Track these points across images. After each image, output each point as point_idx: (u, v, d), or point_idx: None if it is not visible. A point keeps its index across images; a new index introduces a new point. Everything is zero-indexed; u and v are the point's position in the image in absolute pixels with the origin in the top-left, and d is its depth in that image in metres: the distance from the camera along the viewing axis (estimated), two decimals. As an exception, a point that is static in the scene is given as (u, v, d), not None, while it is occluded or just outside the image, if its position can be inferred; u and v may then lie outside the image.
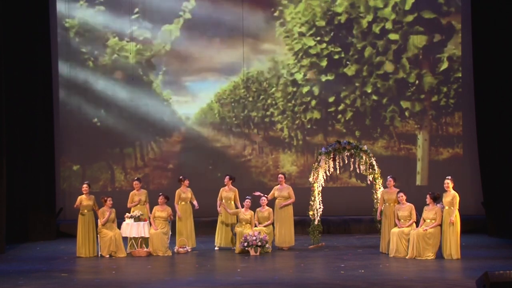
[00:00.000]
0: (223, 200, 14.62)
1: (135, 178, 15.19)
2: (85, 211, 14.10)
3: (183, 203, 14.59)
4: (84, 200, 14.11)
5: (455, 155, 17.77)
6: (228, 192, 14.68)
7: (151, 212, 14.31)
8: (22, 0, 16.60)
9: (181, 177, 14.85)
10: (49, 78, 17.12)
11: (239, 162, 18.28)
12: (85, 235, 14.01)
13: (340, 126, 18.08)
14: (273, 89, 18.26)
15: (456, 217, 12.89)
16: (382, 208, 13.83)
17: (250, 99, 18.30)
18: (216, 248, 14.60)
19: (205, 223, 16.16)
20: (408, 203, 13.35)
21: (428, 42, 17.79)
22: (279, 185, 14.71)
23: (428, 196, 13.10)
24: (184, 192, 14.62)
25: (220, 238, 14.63)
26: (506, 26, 15.79)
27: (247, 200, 14.28)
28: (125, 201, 14.71)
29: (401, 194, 13.42)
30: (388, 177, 13.88)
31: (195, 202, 14.63)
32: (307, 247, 14.52)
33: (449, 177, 13.11)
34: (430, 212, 13.03)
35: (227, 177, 14.85)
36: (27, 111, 16.68)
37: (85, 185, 14.26)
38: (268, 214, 14.35)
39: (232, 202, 14.66)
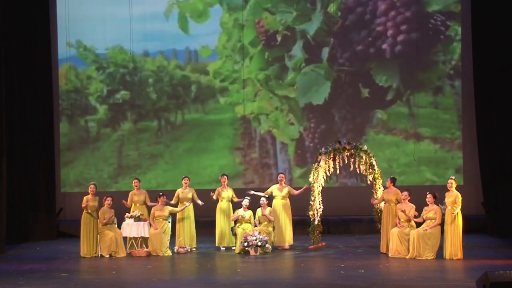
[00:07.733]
0: (223, 200, 14.67)
1: (135, 178, 15.22)
2: (90, 211, 14.08)
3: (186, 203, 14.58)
4: (90, 200, 14.09)
5: (455, 155, 17.74)
6: (225, 191, 14.72)
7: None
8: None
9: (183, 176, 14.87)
10: (49, 78, 17.10)
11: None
12: (89, 235, 14.00)
13: (340, 126, 18.06)
14: (273, 89, 18.24)
15: (458, 216, 12.90)
16: (380, 205, 13.96)
17: (250, 99, 18.27)
18: (222, 248, 14.58)
19: (205, 223, 16.14)
20: (410, 203, 13.34)
21: (428, 42, 17.73)
22: (278, 185, 14.74)
23: (429, 195, 13.09)
24: (183, 192, 14.63)
25: (220, 238, 14.66)
26: (506, 29, 15.80)
27: (246, 199, 14.34)
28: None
29: (405, 193, 13.40)
30: (389, 179, 13.95)
31: (199, 201, 14.63)
32: (307, 247, 14.53)
33: (453, 177, 13.16)
34: (430, 212, 13.03)
35: (224, 176, 14.85)
36: (27, 111, 16.67)
37: (92, 186, 14.23)
38: (269, 214, 14.34)
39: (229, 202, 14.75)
